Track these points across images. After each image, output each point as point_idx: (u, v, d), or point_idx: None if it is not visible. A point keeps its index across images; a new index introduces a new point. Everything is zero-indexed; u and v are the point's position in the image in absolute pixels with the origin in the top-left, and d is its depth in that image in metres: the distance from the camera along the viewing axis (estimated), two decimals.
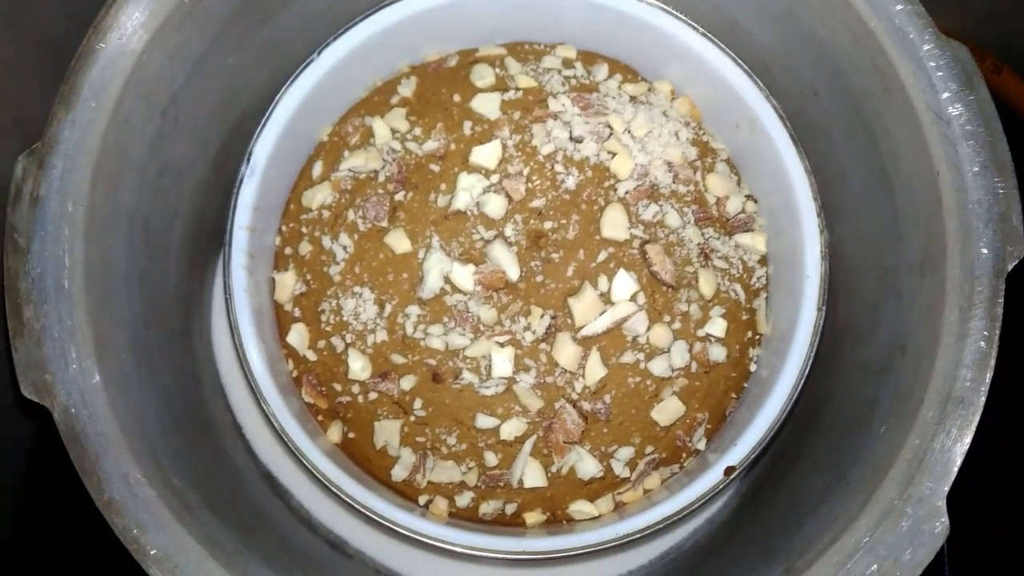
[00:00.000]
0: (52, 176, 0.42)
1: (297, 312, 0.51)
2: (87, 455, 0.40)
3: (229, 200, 0.57)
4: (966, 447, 0.41)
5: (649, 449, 0.49)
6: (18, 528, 0.62)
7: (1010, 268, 0.42)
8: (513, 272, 0.48)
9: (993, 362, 0.41)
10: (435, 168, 0.50)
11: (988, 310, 0.42)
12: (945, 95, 0.44)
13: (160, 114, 0.48)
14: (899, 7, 0.46)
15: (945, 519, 0.40)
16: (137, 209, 0.48)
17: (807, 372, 0.47)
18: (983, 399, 0.41)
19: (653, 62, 0.54)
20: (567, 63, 0.53)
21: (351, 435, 0.49)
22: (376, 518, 0.45)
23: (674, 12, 0.51)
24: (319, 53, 0.50)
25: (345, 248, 0.50)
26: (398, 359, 0.48)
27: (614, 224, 0.48)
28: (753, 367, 0.51)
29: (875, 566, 0.39)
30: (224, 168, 0.55)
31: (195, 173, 0.53)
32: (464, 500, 0.48)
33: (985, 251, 0.43)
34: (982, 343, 0.42)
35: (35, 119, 0.62)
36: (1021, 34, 0.76)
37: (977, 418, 0.41)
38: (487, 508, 0.48)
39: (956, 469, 0.40)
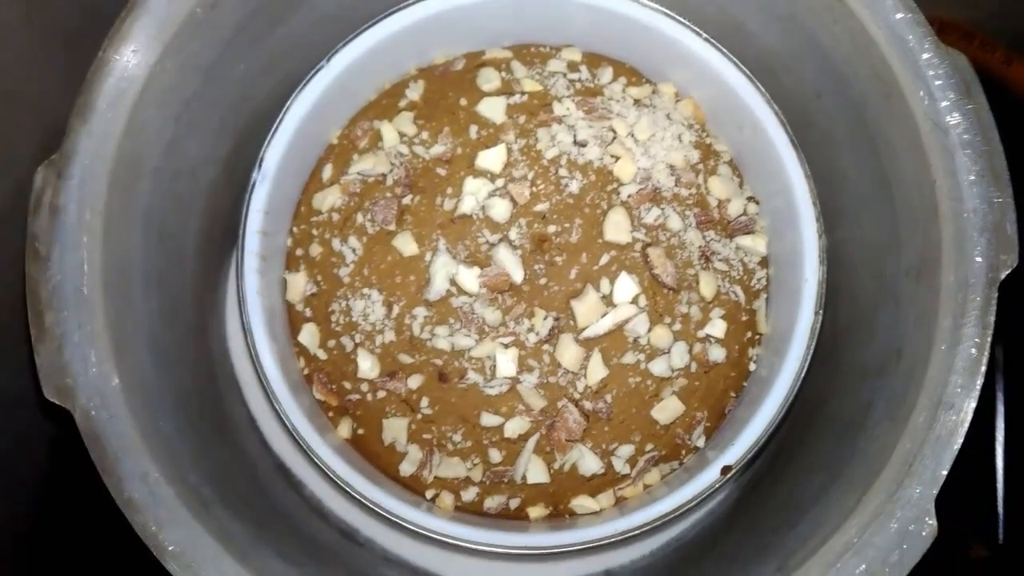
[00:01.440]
0: (70, 186, 0.44)
1: (308, 312, 0.52)
2: (107, 456, 0.42)
3: (241, 197, 0.58)
4: (955, 452, 0.42)
5: (649, 447, 0.50)
6: (39, 523, 0.64)
7: (1003, 277, 0.43)
8: (517, 275, 0.49)
9: (983, 369, 0.42)
10: (442, 172, 0.51)
11: (980, 318, 0.43)
12: (943, 104, 0.45)
13: (174, 121, 0.49)
14: (899, 15, 0.46)
15: (933, 521, 0.41)
16: (152, 213, 0.49)
17: (804, 373, 0.48)
18: (973, 405, 0.42)
19: (657, 64, 0.54)
20: (572, 66, 0.54)
21: (360, 431, 0.51)
22: (384, 513, 0.47)
23: (678, 17, 0.52)
24: (328, 59, 0.51)
25: (354, 250, 0.51)
26: (405, 359, 0.49)
27: (616, 228, 0.49)
28: (752, 366, 0.52)
29: (863, 566, 0.41)
30: (236, 167, 0.56)
31: (208, 174, 0.54)
32: (469, 495, 0.50)
33: (979, 259, 0.43)
34: (973, 350, 0.43)
35: (53, 112, 0.63)
36: None
37: (967, 424, 0.42)
38: (491, 503, 0.50)
39: (945, 473, 0.41)
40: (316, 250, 0.52)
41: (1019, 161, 0.45)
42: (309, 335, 0.52)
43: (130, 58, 0.45)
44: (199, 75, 0.49)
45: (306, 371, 0.52)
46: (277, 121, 0.51)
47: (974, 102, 0.44)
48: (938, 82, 0.45)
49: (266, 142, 0.51)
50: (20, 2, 0.54)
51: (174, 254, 0.52)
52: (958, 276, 0.44)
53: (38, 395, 0.42)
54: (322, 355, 0.51)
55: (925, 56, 0.45)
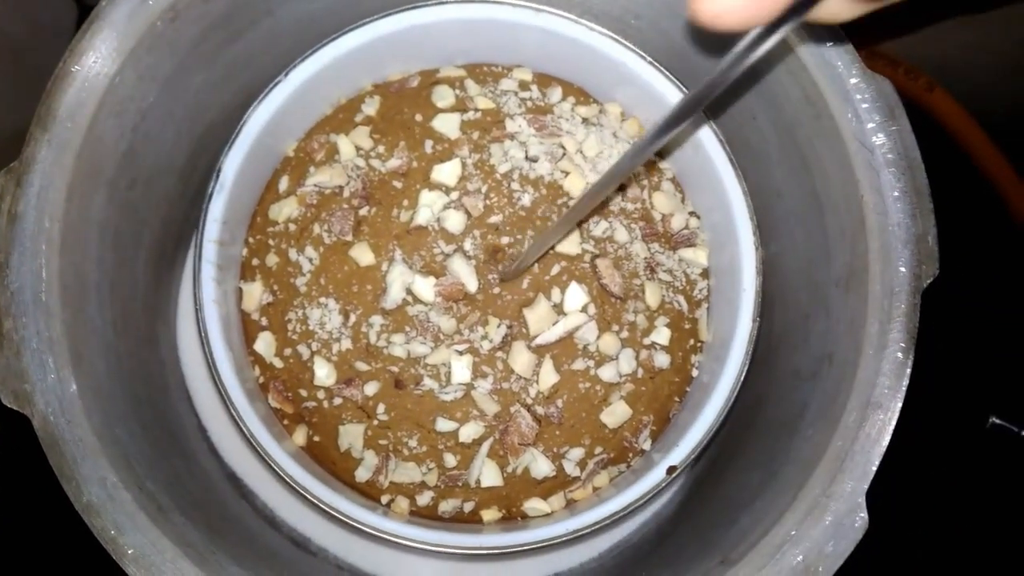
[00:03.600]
0: (30, 194, 0.44)
1: (264, 321, 0.53)
2: (66, 460, 0.42)
3: (194, 209, 0.59)
4: (884, 449, 0.44)
5: (598, 450, 0.52)
6: None
7: (926, 285, 0.46)
8: (472, 284, 0.50)
9: (909, 371, 0.45)
10: (398, 185, 0.52)
11: (905, 324, 0.46)
12: (870, 125, 0.48)
13: (131, 131, 0.49)
14: (829, 44, 0.49)
15: (864, 514, 0.44)
16: (108, 222, 0.50)
17: (743, 378, 0.51)
18: (899, 405, 0.45)
19: (604, 85, 0.57)
20: (523, 85, 0.56)
21: (316, 438, 0.52)
22: (342, 518, 0.47)
23: (623, 41, 0.54)
24: (287, 74, 0.52)
25: (311, 260, 0.52)
26: (362, 366, 0.50)
27: (567, 239, 0.52)
28: (695, 373, 0.55)
29: (801, 557, 0.43)
30: (190, 178, 0.57)
31: (162, 184, 0.55)
32: (424, 499, 0.51)
33: (903, 270, 0.47)
34: (899, 354, 0.46)
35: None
36: (955, 56, 0.80)
37: (894, 422, 0.45)
38: (446, 506, 0.51)
39: (874, 469, 0.44)
40: (272, 260, 0.53)
41: (939, 179, 0.49)
42: (265, 344, 0.52)
43: (91, 68, 0.46)
44: (156, 86, 0.50)
45: (261, 379, 0.53)
46: (235, 132, 0.51)
47: (898, 124, 0.48)
48: (864, 105, 0.48)
49: (224, 152, 0.51)
50: None
51: (127, 263, 0.52)
52: (884, 285, 0.47)
53: None
54: (278, 363, 0.52)
55: (853, 81, 0.49)
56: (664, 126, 0.33)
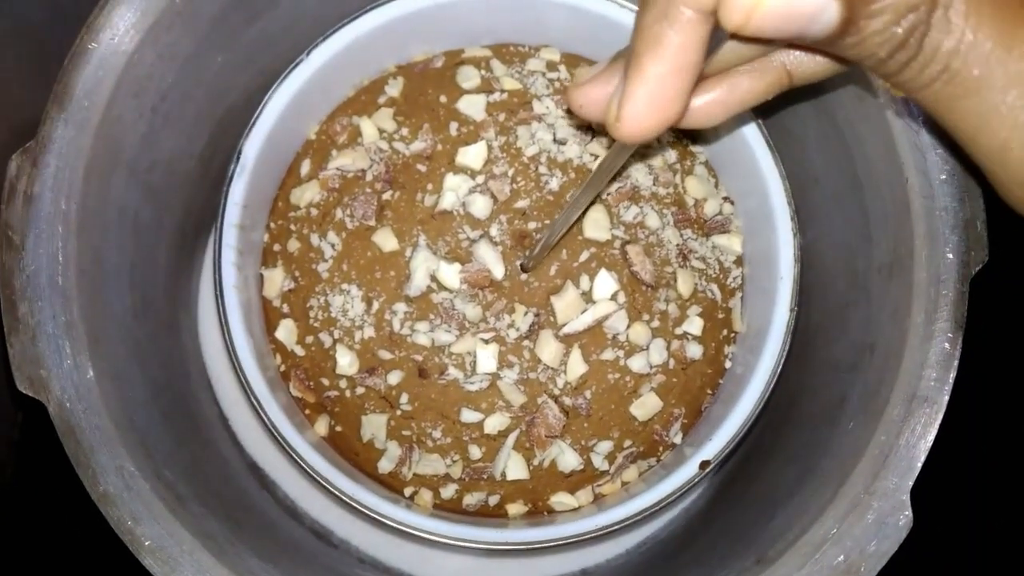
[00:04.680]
0: (46, 174, 0.43)
1: (285, 308, 0.52)
2: (82, 448, 0.41)
3: (216, 194, 0.58)
4: (930, 444, 0.42)
5: (627, 443, 0.50)
6: (5, 519, 0.62)
7: (974, 272, 0.44)
8: (498, 271, 0.49)
9: (957, 362, 0.43)
10: (422, 168, 0.51)
11: (953, 313, 0.44)
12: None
13: (150, 111, 0.48)
14: None
15: (909, 512, 0.42)
16: (127, 205, 0.48)
17: (779, 370, 0.49)
18: (947, 398, 0.43)
19: None
20: (551, 66, 0.54)
21: (338, 428, 0.51)
22: (364, 510, 0.46)
23: None
24: (308, 53, 0.51)
25: (333, 246, 0.51)
26: (385, 355, 0.49)
27: (596, 225, 0.50)
28: (728, 364, 0.53)
29: (842, 556, 0.41)
30: (211, 163, 0.56)
31: (183, 168, 0.54)
32: (448, 492, 0.50)
33: (951, 256, 0.44)
34: (946, 344, 0.43)
35: (19, 110, 0.62)
36: None
37: (941, 416, 0.43)
38: (471, 500, 0.50)
39: (920, 465, 0.42)
40: (294, 245, 0.52)
41: None
42: (286, 331, 0.51)
43: (108, 46, 0.44)
44: (176, 66, 0.48)
45: (282, 368, 0.52)
46: (256, 113, 0.50)
47: None
48: None
49: (245, 134, 0.50)
50: None
51: (148, 248, 0.51)
52: (930, 272, 0.45)
53: (9, 386, 0.41)
54: (300, 351, 0.51)
55: None
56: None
